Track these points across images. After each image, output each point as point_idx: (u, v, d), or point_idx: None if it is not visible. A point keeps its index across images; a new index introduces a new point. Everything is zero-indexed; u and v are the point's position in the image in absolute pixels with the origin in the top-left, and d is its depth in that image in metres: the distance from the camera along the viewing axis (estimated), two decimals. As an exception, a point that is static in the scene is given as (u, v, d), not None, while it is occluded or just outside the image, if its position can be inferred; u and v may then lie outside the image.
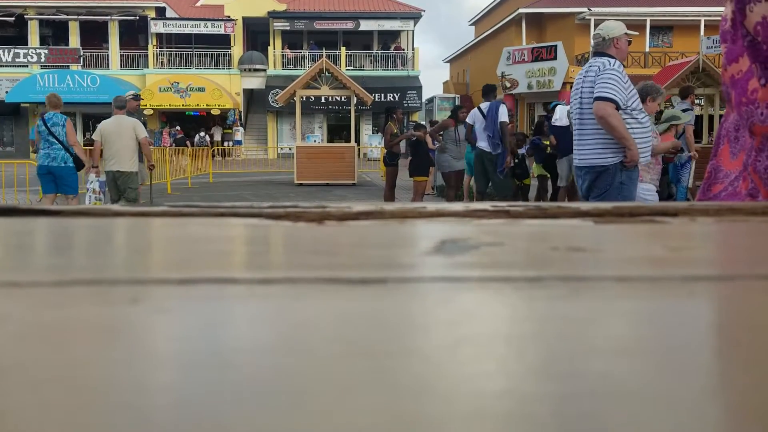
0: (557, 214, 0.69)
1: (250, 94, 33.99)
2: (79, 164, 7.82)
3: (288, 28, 33.65)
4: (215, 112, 31.71)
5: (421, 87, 32.97)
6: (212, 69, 32.86)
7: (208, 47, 32.98)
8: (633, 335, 0.35)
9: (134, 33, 32.62)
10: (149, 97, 29.32)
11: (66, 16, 31.92)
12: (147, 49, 32.36)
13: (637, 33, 4.98)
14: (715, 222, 0.69)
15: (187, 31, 32.25)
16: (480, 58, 37.28)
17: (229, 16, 32.94)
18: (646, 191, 4.93)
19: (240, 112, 32.54)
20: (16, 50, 31.35)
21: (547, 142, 9.83)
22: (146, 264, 0.54)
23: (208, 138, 30.05)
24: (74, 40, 32.33)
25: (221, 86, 31.76)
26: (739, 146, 1.84)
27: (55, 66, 31.16)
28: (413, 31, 34.74)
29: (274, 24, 33.52)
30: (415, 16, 34.11)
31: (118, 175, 7.70)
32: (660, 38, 31.08)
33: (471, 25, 44.68)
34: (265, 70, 32.89)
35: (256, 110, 33.76)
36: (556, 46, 27.30)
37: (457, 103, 14.30)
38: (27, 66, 31.26)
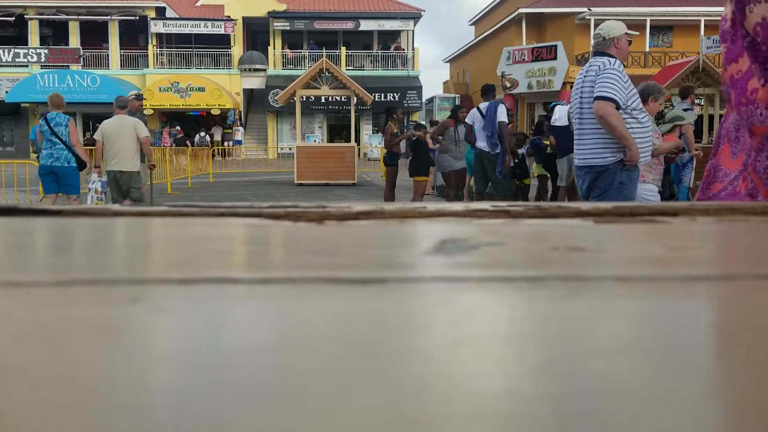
0: (557, 214, 0.69)
1: (250, 94, 33.99)
2: (81, 164, 7.83)
3: (288, 28, 33.65)
4: (215, 112, 31.71)
5: (421, 87, 32.97)
6: (212, 69, 32.85)
7: (208, 47, 32.98)
8: (633, 335, 0.35)
9: (134, 33, 32.62)
10: (149, 97, 29.30)
11: (66, 16, 31.92)
12: (147, 49, 32.36)
13: (637, 33, 4.98)
14: (715, 222, 0.69)
15: (187, 31, 32.25)
16: (480, 58, 37.28)
17: (229, 16, 32.94)
18: (648, 191, 4.93)
19: (240, 112, 32.54)
20: (16, 50, 31.35)
21: (547, 142, 9.83)
22: (146, 264, 0.54)
23: (208, 138, 30.05)
24: (74, 40, 32.33)
25: (221, 86, 31.76)
26: (740, 146, 1.84)
27: (55, 66, 31.16)
28: (413, 31, 34.74)
29: (274, 24, 33.52)
30: (415, 16, 34.11)
31: (120, 175, 7.71)
32: (660, 38, 31.08)
33: (471, 25, 44.68)
34: (265, 70, 32.89)
35: (256, 110, 33.76)
36: (556, 46, 27.29)
37: (457, 103, 14.29)
38: (27, 66, 31.26)
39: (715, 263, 0.56)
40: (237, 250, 0.60)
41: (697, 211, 0.71)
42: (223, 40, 33.01)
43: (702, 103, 19.12)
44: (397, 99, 31.18)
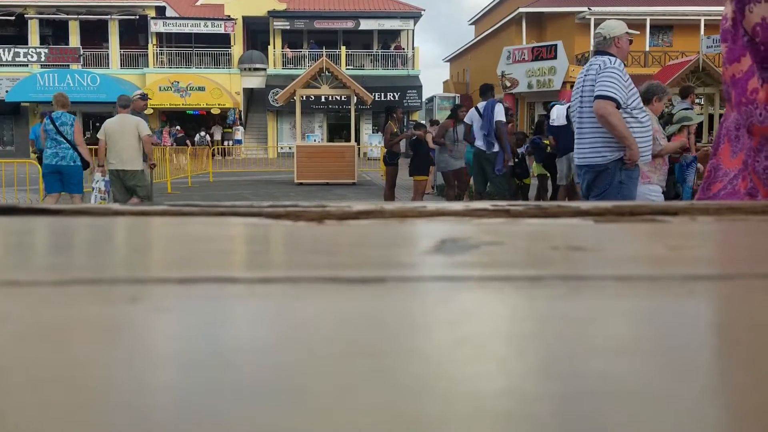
0: (557, 213, 0.69)
1: (250, 94, 33.99)
2: (84, 164, 7.86)
3: (288, 27, 33.65)
4: (215, 111, 31.71)
5: (421, 86, 32.97)
6: (212, 68, 32.86)
7: (208, 46, 32.99)
8: (633, 334, 0.35)
9: (134, 32, 32.62)
10: (149, 97, 29.31)
11: (66, 16, 31.92)
12: (147, 49, 32.36)
13: (638, 32, 4.98)
14: (715, 221, 0.69)
15: (187, 30, 32.25)
16: (480, 57, 37.28)
17: (229, 16, 32.94)
18: (653, 192, 4.93)
19: (240, 111, 32.55)
20: (16, 49, 31.35)
21: (547, 142, 9.83)
22: (146, 263, 0.54)
23: (208, 137, 30.05)
24: (74, 40, 32.33)
25: (221, 85, 31.76)
26: (740, 145, 1.84)
27: (56, 65, 31.16)
28: (413, 30, 34.73)
29: (274, 23, 33.52)
30: (415, 16, 34.11)
31: (123, 174, 7.73)
32: (660, 37, 31.08)
33: (471, 24, 44.68)
34: (265, 70, 32.89)
35: (256, 109, 33.76)
36: (556, 45, 27.29)
37: (457, 102, 14.28)
38: (27, 65, 31.26)
39: (716, 262, 0.56)
40: (237, 249, 0.60)
41: (697, 210, 0.71)
42: (223, 40, 33.01)
43: (702, 103, 19.13)
44: (397, 98, 31.18)
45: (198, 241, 0.60)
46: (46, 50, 31.46)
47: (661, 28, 30.73)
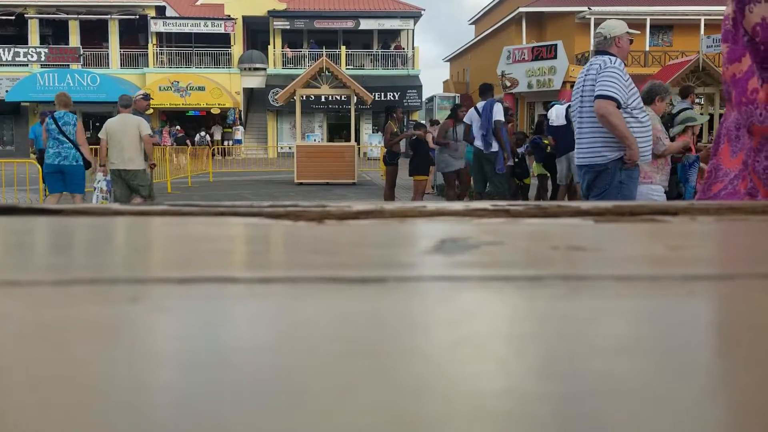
0: (557, 213, 0.69)
1: (250, 93, 33.99)
2: (86, 163, 7.87)
3: (288, 27, 33.65)
4: (215, 111, 31.71)
5: (421, 86, 32.97)
6: (212, 68, 32.86)
7: (208, 46, 32.99)
8: (633, 334, 0.35)
9: (134, 32, 32.62)
10: (151, 97, 29.29)
11: (66, 15, 31.92)
12: (147, 48, 32.36)
13: (638, 32, 4.98)
14: (715, 221, 0.69)
15: (187, 30, 32.25)
16: (480, 57, 37.28)
17: (229, 15, 32.94)
18: (655, 192, 4.92)
19: (240, 111, 32.55)
20: (16, 49, 31.35)
21: (547, 141, 9.83)
22: (146, 263, 0.54)
23: (208, 138, 30.05)
24: (74, 39, 32.33)
25: (221, 85, 31.77)
26: (740, 145, 1.84)
27: (55, 65, 31.16)
28: (413, 30, 34.74)
29: (274, 23, 33.52)
30: (415, 15, 34.11)
31: (125, 174, 7.74)
32: (660, 37, 31.08)
33: (471, 24, 44.68)
34: (265, 69, 32.89)
35: (256, 109, 33.76)
36: (556, 45, 27.29)
37: (457, 102, 14.28)
38: (27, 65, 31.26)
39: (716, 262, 0.56)
40: (237, 249, 0.60)
41: (698, 210, 0.71)
42: (223, 39, 33.01)
43: (702, 103, 19.14)
44: (397, 98, 31.19)
45: (198, 241, 0.60)
46: (46, 50, 31.47)
47: (661, 27, 30.73)
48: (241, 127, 32.34)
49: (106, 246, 0.61)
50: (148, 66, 32.29)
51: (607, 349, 0.32)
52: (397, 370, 0.29)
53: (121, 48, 32.56)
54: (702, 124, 7.75)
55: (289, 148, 27.73)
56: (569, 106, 8.65)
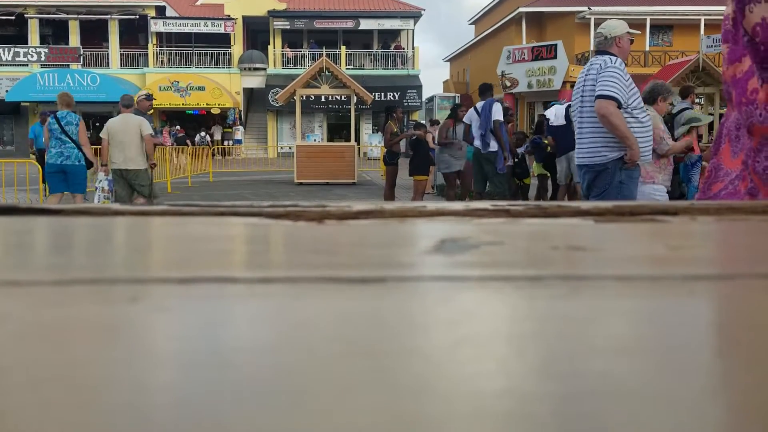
0: (557, 213, 0.69)
1: (250, 93, 33.99)
2: (88, 163, 7.88)
3: (288, 27, 33.66)
4: (215, 111, 31.72)
5: (421, 86, 32.97)
6: (212, 68, 32.86)
7: (208, 46, 32.99)
8: (633, 334, 0.35)
9: (134, 32, 32.63)
10: (154, 97, 29.29)
11: (66, 15, 31.93)
12: (147, 48, 32.36)
13: (639, 32, 4.98)
14: (715, 221, 0.69)
15: (187, 30, 32.26)
16: (480, 57, 37.29)
17: (229, 15, 32.95)
18: (657, 191, 4.93)
19: (240, 111, 32.55)
20: (16, 49, 31.36)
21: (547, 141, 9.84)
22: (146, 263, 0.54)
23: (208, 138, 30.05)
24: (74, 39, 32.33)
25: (221, 85, 31.77)
26: (740, 145, 1.84)
27: (55, 65, 31.17)
28: (413, 30, 34.74)
29: (274, 23, 33.52)
30: (415, 15, 34.11)
31: (126, 173, 7.74)
32: (660, 37, 31.08)
33: (471, 24, 44.68)
34: (265, 69, 32.89)
35: (256, 109, 33.77)
36: (556, 45, 27.30)
37: (457, 102, 14.31)
38: (27, 65, 31.27)
39: (716, 262, 0.56)
40: (237, 249, 0.60)
41: (698, 210, 0.71)
42: (223, 39, 33.01)
43: (702, 103, 19.15)
44: (397, 98, 31.20)
45: (198, 241, 0.60)
46: (46, 50, 31.47)
47: (661, 27, 30.73)
48: (241, 127, 32.35)
49: (106, 246, 0.61)
50: (148, 66, 32.29)
51: (607, 349, 0.32)
52: (397, 370, 0.29)
53: (121, 48, 32.57)
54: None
55: (289, 148, 27.74)
56: (569, 106, 8.67)
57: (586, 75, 4.27)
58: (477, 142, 8.55)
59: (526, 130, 21.89)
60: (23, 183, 12.10)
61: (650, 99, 5.26)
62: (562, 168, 9.20)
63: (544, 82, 27.31)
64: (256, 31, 35.64)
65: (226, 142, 30.57)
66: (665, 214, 0.69)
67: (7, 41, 31.64)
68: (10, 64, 31.16)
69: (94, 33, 32.44)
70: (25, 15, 31.60)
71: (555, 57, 26.97)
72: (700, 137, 6.49)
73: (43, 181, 10.28)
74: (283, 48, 33.73)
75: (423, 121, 16.82)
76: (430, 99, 33.68)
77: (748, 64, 1.66)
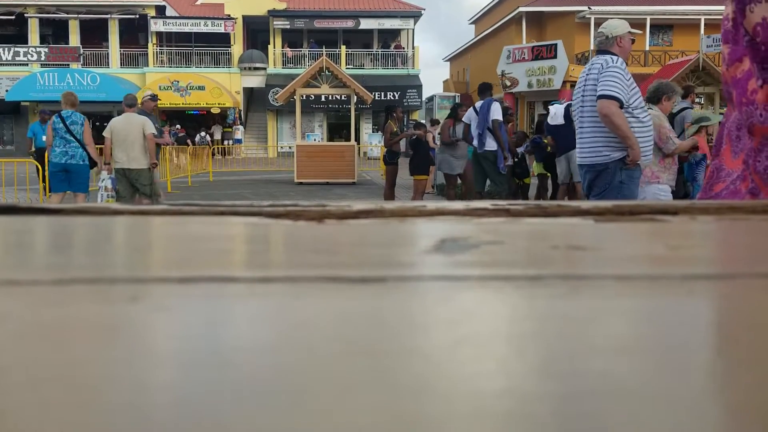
0: (557, 212, 0.69)
1: (250, 93, 33.99)
2: (92, 163, 7.88)
3: (288, 26, 33.65)
4: (215, 110, 31.71)
5: (421, 85, 32.96)
6: (212, 67, 32.85)
7: (208, 46, 32.98)
8: (633, 334, 0.35)
9: (134, 31, 32.62)
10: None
11: (66, 15, 31.92)
12: (147, 48, 32.36)
13: (640, 32, 4.98)
14: (715, 220, 0.69)
15: (187, 29, 32.25)
16: (480, 56, 37.28)
17: (229, 15, 32.95)
18: (662, 191, 4.92)
19: (240, 110, 32.55)
20: (16, 49, 31.35)
21: (547, 141, 9.84)
22: (146, 262, 0.54)
23: (208, 138, 30.05)
24: (74, 39, 32.33)
25: (221, 85, 31.76)
26: (741, 146, 1.84)
27: (56, 64, 31.16)
28: (413, 29, 34.73)
29: (274, 22, 33.51)
30: (415, 15, 34.10)
31: (129, 173, 7.75)
32: (660, 37, 31.07)
33: (471, 23, 44.68)
34: (265, 69, 32.89)
35: (256, 109, 33.76)
36: (556, 44, 27.29)
37: (457, 102, 14.33)
38: (27, 64, 31.26)
39: (715, 262, 0.56)
40: (237, 248, 0.60)
41: (698, 209, 0.71)
42: (223, 39, 33.01)
43: (702, 102, 19.15)
44: (397, 98, 31.19)
45: (198, 241, 0.60)
46: (46, 49, 31.46)
47: (661, 27, 30.72)
48: (241, 127, 32.34)
49: (106, 245, 0.61)
50: (148, 65, 32.29)
51: (607, 348, 0.32)
52: (397, 370, 0.29)
53: (121, 47, 32.56)
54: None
55: (289, 147, 27.73)
56: (568, 106, 8.67)
57: (587, 74, 4.26)
58: (475, 142, 8.56)
59: (526, 129, 21.88)
60: (23, 182, 12.10)
61: (655, 98, 5.25)
62: (561, 167, 9.20)
63: (544, 81, 27.31)
64: (256, 31, 35.63)
65: (226, 142, 30.56)
66: (665, 213, 0.69)
67: (7, 41, 31.63)
68: (10, 64, 31.16)
69: (94, 32, 32.43)
70: (25, 14, 31.60)
71: (555, 57, 26.96)
72: (710, 137, 6.46)
73: (44, 181, 10.27)
74: (283, 47, 33.73)
75: (423, 121, 16.82)
76: (430, 98, 33.67)
77: (749, 63, 1.66)
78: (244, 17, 33.68)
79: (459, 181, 10.14)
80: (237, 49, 33.25)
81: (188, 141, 26.60)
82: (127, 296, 0.40)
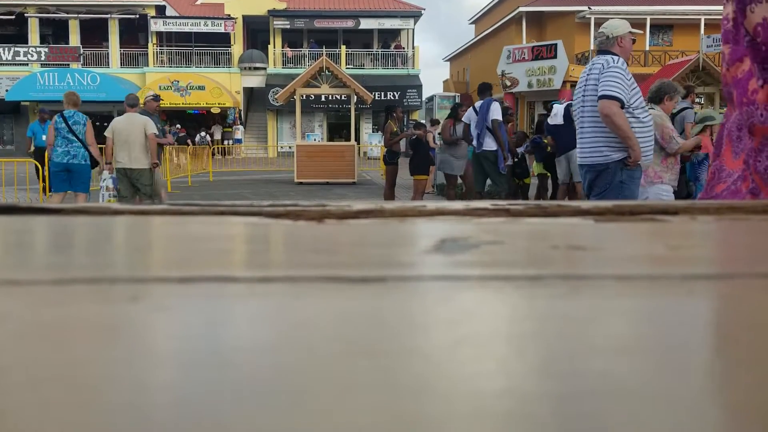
0: (557, 212, 0.69)
1: (250, 93, 33.98)
2: (93, 162, 7.89)
3: (288, 26, 33.64)
4: (215, 110, 31.71)
5: (421, 85, 32.96)
6: (212, 67, 32.85)
7: (208, 45, 32.98)
8: (633, 334, 0.35)
9: (134, 31, 32.62)
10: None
11: (66, 15, 31.92)
12: (147, 48, 32.35)
13: (641, 32, 4.97)
14: (715, 220, 0.69)
15: (187, 29, 32.25)
16: (480, 56, 37.28)
17: (229, 15, 32.94)
18: (664, 191, 4.92)
19: (240, 110, 32.54)
20: (17, 48, 31.34)
21: (547, 141, 9.83)
22: (146, 262, 0.54)
23: (208, 138, 30.04)
24: (74, 39, 32.32)
25: (221, 85, 31.76)
26: (742, 146, 1.84)
27: (56, 64, 31.16)
28: (413, 29, 34.72)
29: (274, 22, 33.50)
30: (415, 15, 34.10)
31: (131, 173, 7.75)
32: (660, 37, 31.07)
33: (471, 23, 44.67)
34: (265, 69, 32.88)
35: (256, 109, 33.75)
36: (556, 44, 27.28)
37: (457, 101, 14.32)
38: (27, 64, 31.26)
39: (715, 262, 0.56)
40: (237, 248, 0.60)
41: (698, 209, 0.71)
42: (223, 39, 33.00)
43: (702, 102, 19.16)
44: (397, 98, 31.19)
45: (198, 241, 0.60)
46: (46, 49, 31.46)
47: (661, 27, 30.71)
48: (241, 127, 32.33)
49: (106, 245, 0.61)
50: (148, 65, 32.28)
51: (607, 348, 0.32)
52: (397, 370, 0.29)
53: (121, 47, 32.56)
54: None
55: (289, 147, 27.72)
56: (568, 105, 8.67)
57: (588, 74, 4.26)
58: (474, 142, 8.56)
59: (526, 129, 21.88)
60: (23, 182, 12.09)
61: (657, 98, 5.25)
62: (561, 167, 9.19)
63: (544, 81, 27.30)
64: (256, 31, 35.62)
65: (226, 142, 30.55)
66: (665, 213, 0.69)
67: (7, 40, 31.62)
68: (10, 64, 31.15)
69: (94, 32, 32.43)
70: (25, 14, 31.60)
71: (555, 56, 26.94)
72: (714, 136, 6.45)
73: (44, 180, 10.27)
74: (283, 47, 33.72)
75: (423, 121, 16.81)
76: (430, 98, 33.66)
77: (749, 64, 1.66)
78: (244, 17, 33.68)
79: (459, 180, 10.14)
80: (237, 49, 33.25)
81: (188, 141, 26.59)
82: (127, 296, 0.40)
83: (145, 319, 0.37)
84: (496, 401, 0.26)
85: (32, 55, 31.43)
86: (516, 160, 10.17)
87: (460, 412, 0.25)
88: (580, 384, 0.27)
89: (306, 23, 33.67)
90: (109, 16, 32.07)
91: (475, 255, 0.52)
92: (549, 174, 10.19)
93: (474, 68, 38.40)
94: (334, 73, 16.45)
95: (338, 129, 31.61)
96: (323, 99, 29.54)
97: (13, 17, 31.51)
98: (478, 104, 8.60)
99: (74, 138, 7.67)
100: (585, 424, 0.24)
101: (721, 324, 0.39)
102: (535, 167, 10.67)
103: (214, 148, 23.83)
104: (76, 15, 31.97)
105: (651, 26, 29.52)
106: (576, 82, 4.53)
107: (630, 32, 4.31)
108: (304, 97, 19.68)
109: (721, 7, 1.76)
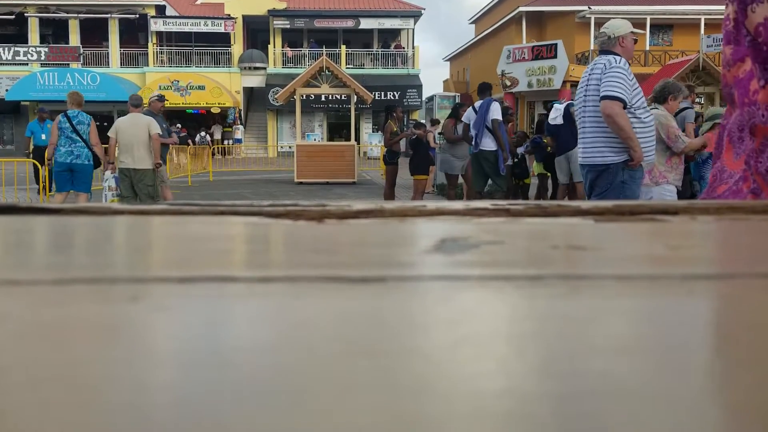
0: (557, 212, 0.69)
1: (250, 93, 33.98)
2: (97, 162, 7.90)
3: (288, 26, 33.64)
4: (215, 110, 31.70)
5: (421, 85, 32.96)
6: (212, 67, 32.84)
7: (208, 45, 32.97)
8: (633, 334, 0.35)
9: (134, 31, 32.62)
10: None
11: (66, 14, 31.92)
12: (147, 47, 32.35)
13: (643, 32, 4.97)
14: (715, 220, 0.69)
15: (187, 29, 32.25)
16: (480, 56, 37.27)
17: (229, 15, 32.93)
18: (668, 191, 4.92)
19: (240, 110, 32.54)
20: (16, 48, 31.34)
21: (547, 141, 9.83)
22: (146, 262, 0.54)
23: (208, 138, 30.04)
24: (74, 38, 32.32)
25: (221, 84, 31.75)
26: (743, 147, 1.84)
27: (55, 64, 31.15)
28: (413, 29, 34.72)
29: (274, 22, 33.50)
30: (415, 15, 34.09)
31: (133, 173, 7.75)
32: (660, 37, 31.06)
33: (471, 23, 44.66)
34: (265, 69, 32.88)
35: (256, 108, 33.75)
36: (556, 44, 27.28)
37: (457, 101, 14.30)
38: (27, 64, 31.25)
39: (715, 262, 0.56)
40: (237, 248, 0.60)
41: (698, 209, 0.71)
42: (223, 39, 33.00)
43: (702, 102, 19.16)
44: (397, 97, 31.18)
45: (198, 241, 0.60)
46: (46, 49, 31.45)
47: (661, 27, 30.71)
48: (241, 127, 32.33)
49: (106, 245, 0.61)
50: (148, 65, 32.28)
51: (606, 348, 0.32)
52: (397, 370, 0.29)
53: (121, 47, 32.55)
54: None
55: (289, 147, 27.71)
56: (568, 105, 8.67)
57: (589, 74, 4.26)
58: (472, 141, 8.58)
59: (526, 129, 21.88)
60: (23, 182, 12.09)
61: (661, 98, 5.25)
62: (561, 167, 9.19)
63: (544, 81, 27.29)
64: (256, 31, 35.62)
65: (226, 142, 30.55)
66: (665, 213, 0.69)
67: (7, 40, 31.62)
68: (10, 63, 31.15)
69: (94, 32, 32.42)
70: (25, 14, 31.59)
71: (555, 56, 26.94)
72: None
73: (45, 180, 10.28)
74: (283, 47, 33.72)
75: (423, 121, 16.82)
76: (430, 98, 33.64)
77: (750, 64, 1.66)
78: (244, 17, 33.67)
79: (460, 180, 10.15)
80: (237, 48, 33.25)
81: (189, 141, 26.58)
82: (128, 296, 0.40)
83: (145, 319, 0.37)
84: (496, 401, 0.26)
85: (32, 55, 31.43)
86: (516, 160, 10.17)
87: (460, 412, 0.25)
88: (580, 384, 0.27)
89: (306, 23, 33.67)
90: (109, 15, 32.06)
91: (475, 255, 0.52)
92: (549, 174, 10.19)
93: (474, 68, 38.39)
94: (334, 72, 16.45)
95: (338, 129, 31.61)
96: (323, 99, 29.52)
97: (13, 17, 31.51)
98: (477, 104, 8.61)
99: (78, 138, 7.68)
100: (585, 424, 0.24)
101: (721, 324, 0.39)
102: (535, 167, 10.67)
103: (214, 148, 23.83)
104: (76, 15, 31.97)
105: (651, 26, 29.50)
106: (576, 82, 4.53)
107: (632, 32, 4.31)
108: (304, 97, 19.68)
109: (721, 7, 1.76)
